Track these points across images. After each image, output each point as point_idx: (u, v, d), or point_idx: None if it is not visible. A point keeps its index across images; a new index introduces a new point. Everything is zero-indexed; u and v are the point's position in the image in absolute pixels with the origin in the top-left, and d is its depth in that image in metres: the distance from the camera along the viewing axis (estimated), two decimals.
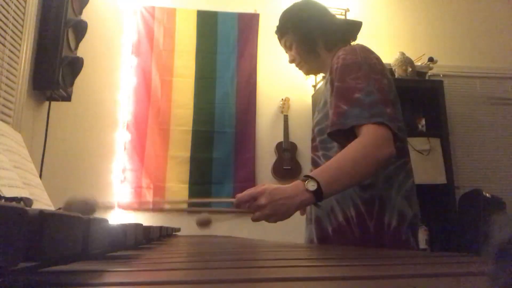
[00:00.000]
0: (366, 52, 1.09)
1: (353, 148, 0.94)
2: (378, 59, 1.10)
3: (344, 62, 1.06)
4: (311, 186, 0.89)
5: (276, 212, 0.91)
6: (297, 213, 1.34)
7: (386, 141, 0.94)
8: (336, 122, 1.01)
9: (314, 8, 1.25)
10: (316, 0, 1.28)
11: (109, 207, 0.92)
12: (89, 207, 0.73)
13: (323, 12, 1.26)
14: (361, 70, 1.03)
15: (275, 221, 0.93)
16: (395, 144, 0.97)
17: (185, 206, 2.80)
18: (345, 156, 0.94)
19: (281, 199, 0.90)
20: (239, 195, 0.95)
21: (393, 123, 0.97)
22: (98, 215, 0.77)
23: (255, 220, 0.93)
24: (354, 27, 1.27)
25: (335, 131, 1.01)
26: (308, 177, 0.91)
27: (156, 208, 2.85)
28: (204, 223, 1.00)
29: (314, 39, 1.21)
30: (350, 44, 1.22)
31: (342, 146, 0.99)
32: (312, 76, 3.17)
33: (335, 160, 0.95)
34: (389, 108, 0.99)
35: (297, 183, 0.92)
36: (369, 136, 0.95)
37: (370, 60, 1.07)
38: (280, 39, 1.29)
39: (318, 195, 0.89)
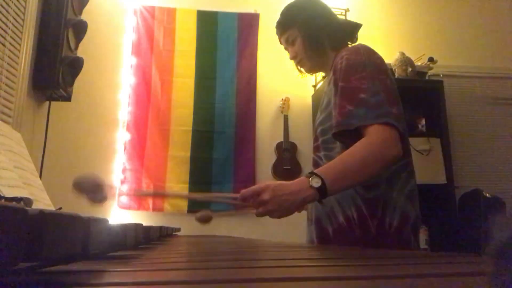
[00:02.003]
0: (369, 52, 1.09)
1: (360, 147, 0.94)
2: (381, 59, 1.10)
3: (348, 62, 1.06)
4: (316, 182, 0.89)
5: (279, 207, 0.90)
6: (297, 213, 1.34)
7: (393, 141, 0.94)
8: (341, 122, 1.00)
9: (319, 5, 1.25)
10: None
11: (113, 187, 0.92)
12: (97, 184, 0.73)
13: (329, 11, 1.25)
14: (365, 70, 1.03)
15: (278, 217, 0.92)
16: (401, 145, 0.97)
17: (185, 208, 2.79)
18: (352, 155, 0.93)
19: (284, 194, 0.90)
20: (243, 191, 0.94)
21: (399, 123, 0.97)
22: (104, 193, 0.77)
23: (258, 215, 0.92)
24: (355, 28, 1.27)
25: (339, 132, 1.01)
26: (313, 173, 0.91)
27: (156, 208, 2.85)
28: (204, 219, 1.00)
29: (321, 36, 1.20)
30: (352, 44, 1.23)
31: (346, 146, 0.98)
32: (311, 76, 3.17)
33: (341, 158, 0.94)
34: (395, 108, 0.99)
35: (301, 179, 0.92)
36: (377, 135, 0.94)
37: (374, 60, 1.07)
38: (281, 34, 1.26)
39: (322, 192, 0.89)
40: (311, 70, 1.30)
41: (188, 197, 2.74)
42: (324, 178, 0.89)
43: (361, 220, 1.04)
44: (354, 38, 1.25)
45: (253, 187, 0.94)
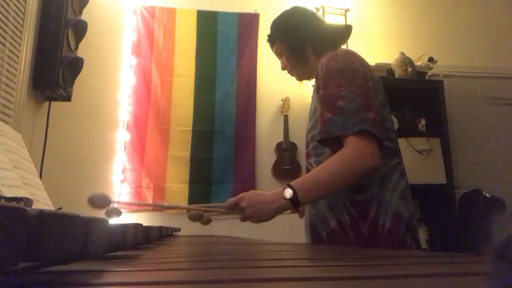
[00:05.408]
0: (348, 57, 1.10)
1: (334, 160, 0.99)
2: (361, 62, 1.11)
3: (327, 69, 1.08)
4: (288, 194, 0.97)
5: (255, 214, 1.02)
6: (296, 215, 1.37)
7: (369, 153, 0.97)
8: (323, 130, 1.03)
9: (301, 15, 1.28)
10: (305, 7, 1.31)
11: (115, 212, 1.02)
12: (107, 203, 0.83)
13: (310, 19, 1.27)
14: (343, 76, 1.04)
15: (257, 222, 1.04)
16: (382, 148, 0.99)
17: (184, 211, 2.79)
18: (325, 168, 1.00)
19: (259, 203, 1.01)
20: (229, 200, 1.06)
21: (376, 127, 0.98)
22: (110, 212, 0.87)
23: (241, 220, 1.06)
24: (343, 31, 1.29)
25: (323, 139, 1.04)
26: (288, 185, 0.99)
27: (156, 208, 2.85)
28: (196, 218, 1.09)
29: (302, 45, 1.24)
30: (337, 49, 1.24)
31: (334, 150, 1.01)
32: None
33: (316, 171, 1.02)
34: (371, 112, 1.00)
35: (278, 190, 1.01)
36: (352, 148, 0.97)
37: (352, 65, 1.07)
38: (271, 47, 1.33)
39: (294, 202, 0.97)
40: (301, 78, 1.34)
41: (177, 208, 2.73)
42: (297, 190, 0.97)
43: (353, 222, 1.05)
44: (342, 41, 1.29)
45: (235, 197, 1.06)
